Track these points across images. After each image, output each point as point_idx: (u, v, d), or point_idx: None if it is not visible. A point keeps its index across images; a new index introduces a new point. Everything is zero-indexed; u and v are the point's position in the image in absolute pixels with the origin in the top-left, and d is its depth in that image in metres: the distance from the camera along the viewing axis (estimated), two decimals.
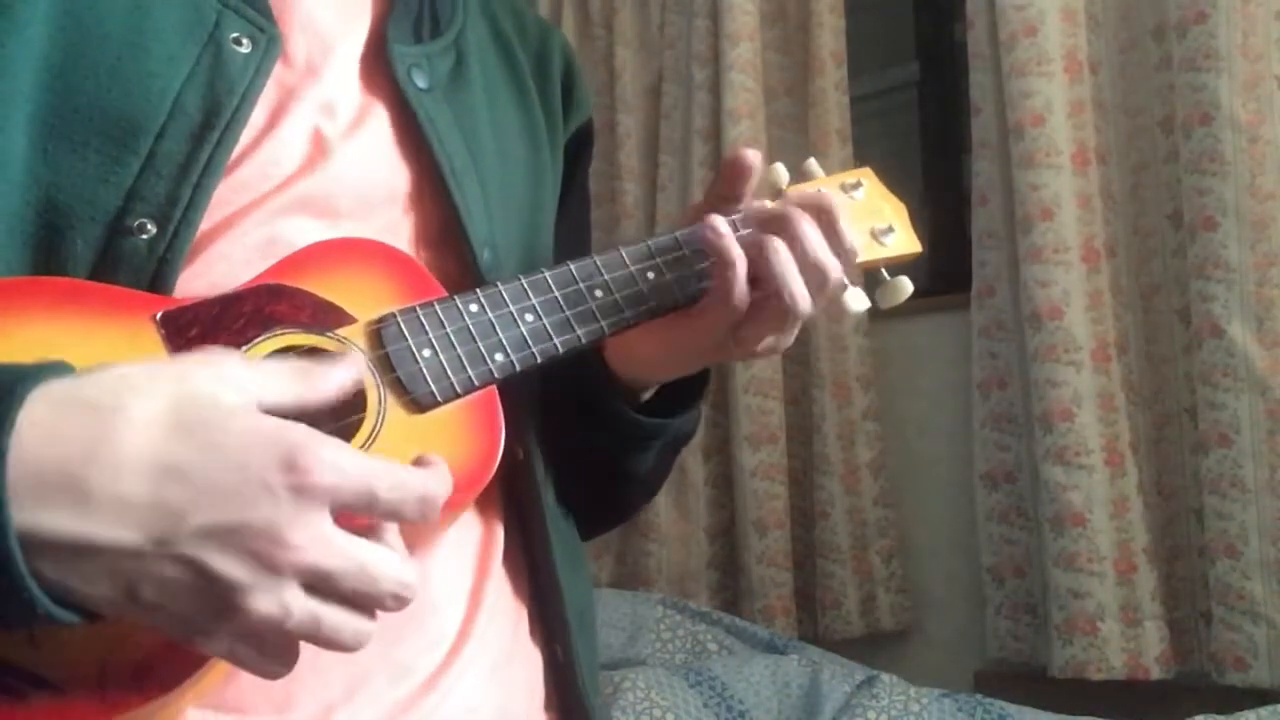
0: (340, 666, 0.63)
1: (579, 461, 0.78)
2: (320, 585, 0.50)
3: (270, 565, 0.48)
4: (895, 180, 0.84)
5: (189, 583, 0.48)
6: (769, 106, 2.42)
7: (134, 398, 0.49)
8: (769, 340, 0.73)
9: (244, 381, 0.53)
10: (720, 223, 0.71)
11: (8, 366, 0.49)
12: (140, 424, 0.49)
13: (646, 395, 0.80)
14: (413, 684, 0.66)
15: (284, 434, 0.50)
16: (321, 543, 0.49)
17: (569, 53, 0.89)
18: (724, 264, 0.70)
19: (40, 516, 0.47)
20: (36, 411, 0.48)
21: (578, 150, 0.88)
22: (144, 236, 0.62)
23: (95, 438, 0.48)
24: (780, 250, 0.70)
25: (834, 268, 0.72)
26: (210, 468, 0.49)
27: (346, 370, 0.57)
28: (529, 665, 0.75)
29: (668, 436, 0.80)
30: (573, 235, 0.86)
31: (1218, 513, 1.78)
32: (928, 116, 2.49)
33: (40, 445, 0.47)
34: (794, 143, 2.42)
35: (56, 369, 0.50)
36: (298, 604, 0.49)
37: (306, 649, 0.52)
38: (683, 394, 0.80)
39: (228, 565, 0.48)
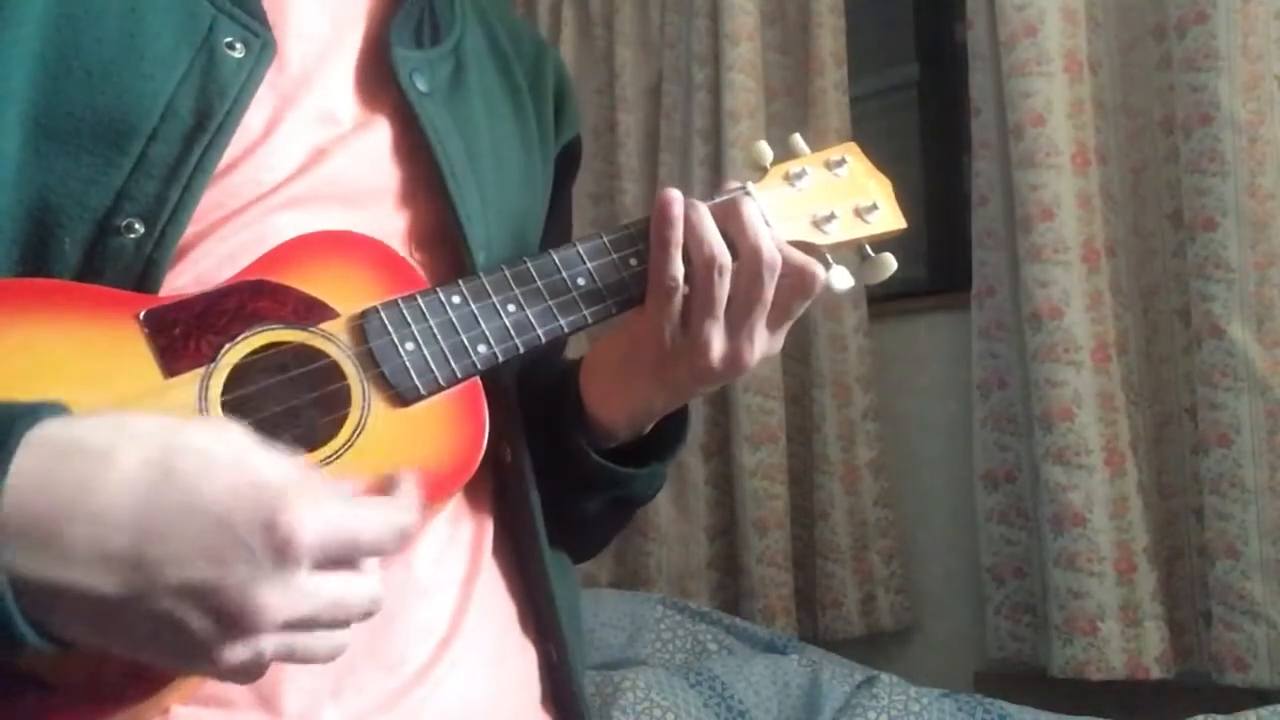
0: None
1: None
2: (295, 627, 0.51)
3: (244, 626, 0.49)
4: (895, 181, 0.83)
5: (162, 634, 0.49)
6: (769, 106, 2.42)
7: (124, 444, 0.50)
8: (720, 343, 0.71)
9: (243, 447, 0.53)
10: (675, 194, 0.70)
11: (2, 407, 0.50)
12: (125, 473, 0.49)
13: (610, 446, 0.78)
14: (403, 675, 0.66)
15: (267, 491, 0.50)
16: (295, 596, 0.50)
17: (562, 71, 0.90)
18: (661, 226, 0.69)
19: (25, 561, 0.48)
20: (28, 458, 0.49)
21: (565, 167, 0.89)
22: (131, 236, 0.62)
23: (81, 487, 0.49)
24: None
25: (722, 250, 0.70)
26: (190, 525, 0.49)
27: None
28: (524, 660, 0.75)
29: (615, 488, 0.78)
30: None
31: (1218, 513, 1.77)
32: (928, 116, 2.49)
33: (30, 493, 0.48)
34: None
35: (50, 410, 0.51)
36: (270, 647, 0.50)
37: None
38: (643, 451, 0.79)
39: (202, 623, 0.49)
